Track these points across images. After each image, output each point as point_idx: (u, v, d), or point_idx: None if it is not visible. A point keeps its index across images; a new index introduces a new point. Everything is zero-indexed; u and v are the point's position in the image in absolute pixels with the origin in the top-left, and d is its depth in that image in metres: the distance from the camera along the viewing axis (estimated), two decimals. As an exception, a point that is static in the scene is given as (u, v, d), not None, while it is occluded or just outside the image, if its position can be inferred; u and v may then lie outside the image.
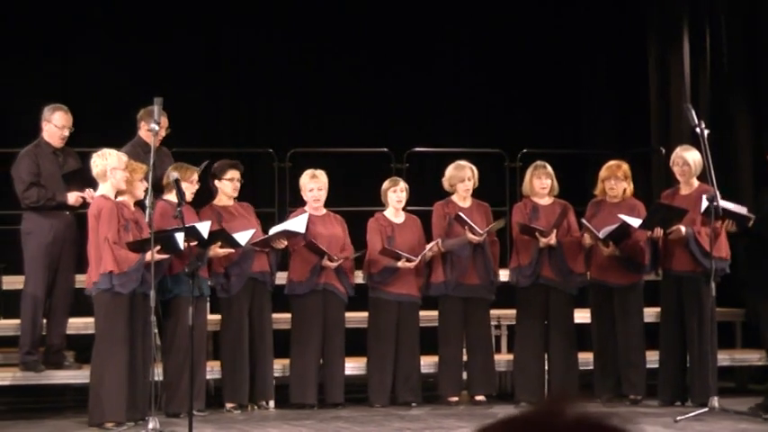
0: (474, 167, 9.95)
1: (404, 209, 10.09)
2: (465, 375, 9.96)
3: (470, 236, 9.69)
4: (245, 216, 9.64)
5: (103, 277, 8.55)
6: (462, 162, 10.00)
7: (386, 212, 9.96)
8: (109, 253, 8.53)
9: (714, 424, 8.65)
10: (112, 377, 8.57)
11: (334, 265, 9.59)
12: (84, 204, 9.16)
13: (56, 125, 9.41)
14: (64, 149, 9.52)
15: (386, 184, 9.95)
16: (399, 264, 9.66)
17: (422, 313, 10.01)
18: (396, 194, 9.86)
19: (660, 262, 9.65)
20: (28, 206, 9.33)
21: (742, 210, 9.25)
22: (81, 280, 9.09)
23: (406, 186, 10.02)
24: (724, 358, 10.02)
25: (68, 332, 9.58)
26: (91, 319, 8.94)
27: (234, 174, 9.59)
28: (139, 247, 8.58)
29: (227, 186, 9.58)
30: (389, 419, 9.14)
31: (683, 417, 8.75)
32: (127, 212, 8.77)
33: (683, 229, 9.27)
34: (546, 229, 9.65)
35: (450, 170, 9.96)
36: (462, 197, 9.94)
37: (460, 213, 9.72)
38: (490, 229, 9.74)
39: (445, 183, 9.98)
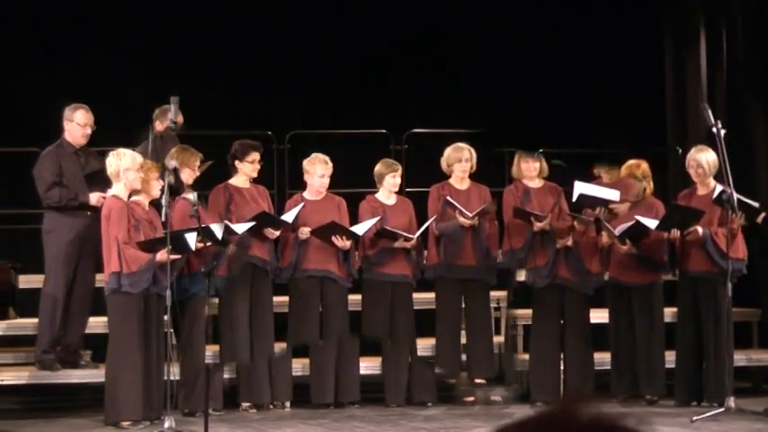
0: (473, 149, 9.97)
1: (401, 191, 10.12)
2: (464, 357, 9.96)
3: (461, 219, 9.71)
4: (258, 200, 9.63)
5: (112, 277, 8.58)
6: (461, 144, 10.01)
7: (378, 195, 9.95)
8: (117, 253, 8.55)
9: (730, 424, 8.63)
10: (127, 376, 8.59)
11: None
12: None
13: (78, 123, 9.46)
14: (85, 149, 9.56)
15: (383, 168, 9.91)
16: (397, 244, 9.67)
17: (420, 296, 10.02)
18: (394, 179, 9.87)
19: (677, 262, 9.64)
20: (50, 206, 9.36)
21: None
22: (100, 279, 9.12)
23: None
24: (740, 358, 9.98)
25: (86, 331, 9.62)
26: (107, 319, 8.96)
27: (255, 156, 9.61)
28: (150, 246, 8.59)
29: (248, 168, 9.60)
30: (405, 418, 9.14)
31: (699, 417, 8.74)
32: (140, 212, 8.78)
33: (699, 230, 9.26)
34: (542, 213, 9.68)
35: (448, 150, 9.98)
36: (459, 178, 9.95)
37: (448, 198, 9.74)
38: (479, 212, 9.74)
39: (443, 163, 9.99)
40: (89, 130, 9.49)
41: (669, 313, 9.89)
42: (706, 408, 9.13)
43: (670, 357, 9.63)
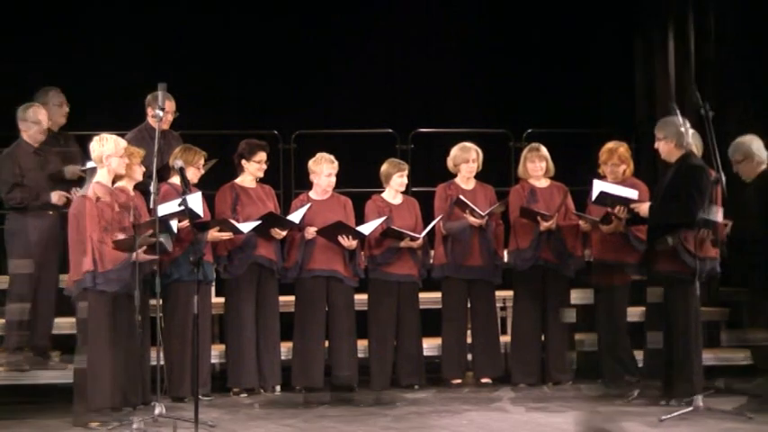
0: (479, 150, 10.07)
1: (407, 190, 10.22)
2: (470, 357, 10.06)
3: (472, 219, 9.77)
4: (264, 200, 9.68)
5: (87, 275, 8.52)
6: (468, 144, 10.12)
7: (384, 194, 10.04)
8: (92, 251, 8.50)
9: (699, 423, 8.66)
10: (96, 377, 8.55)
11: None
12: (69, 203, 9.15)
13: (32, 121, 9.46)
14: (44, 148, 9.55)
15: (390, 167, 9.99)
16: (403, 243, 9.71)
17: (426, 295, 10.10)
18: (402, 179, 9.95)
19: (647, 262, 9.65)
20: (12, 207, 9.33)
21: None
22: (66, 279, 9.08)
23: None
24: (709, 357, 10.02)
25: (54, 332, 9.59)
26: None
27: (262, 156, 9.70)
28: (126, 246, 8.55)
29: (254, 167, 9.65)
30: (374, 417, 9.14)
31: (667, 416, 8.75)
32: (125, 197, 8.76)
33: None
34: (548, 213, 9.76)
35: (455, 150, 10.09)
36: (465, 178, 10.07)
37: (461, 197, 9.82)
38: (491, 212, 9.81)
39: (450, 162, 10.10)
40: (45, 126, 9.49)
41: (638, 312, 9.94)
42: (675, 407, 9.15)
43: (639, 356, 9.68)
